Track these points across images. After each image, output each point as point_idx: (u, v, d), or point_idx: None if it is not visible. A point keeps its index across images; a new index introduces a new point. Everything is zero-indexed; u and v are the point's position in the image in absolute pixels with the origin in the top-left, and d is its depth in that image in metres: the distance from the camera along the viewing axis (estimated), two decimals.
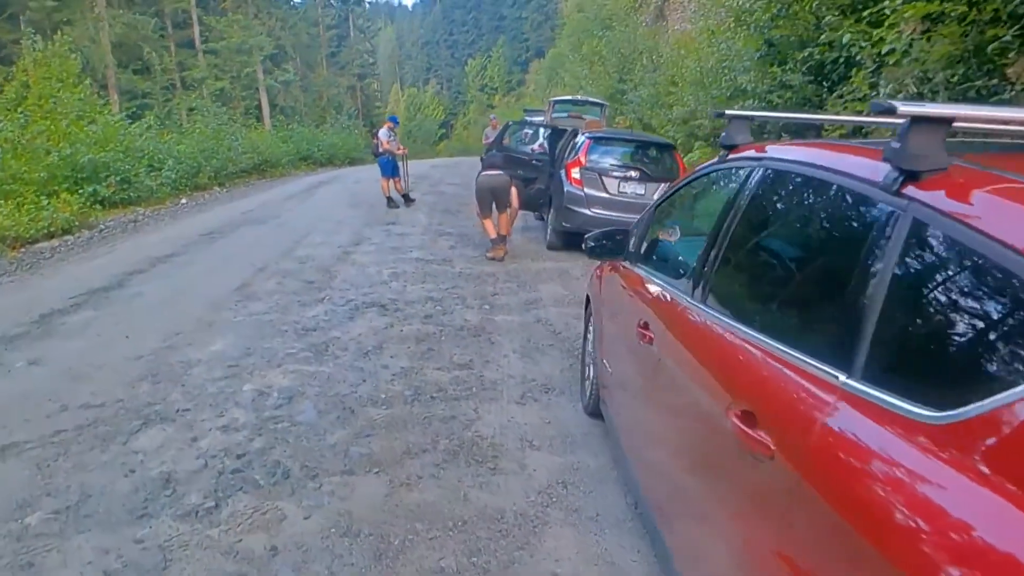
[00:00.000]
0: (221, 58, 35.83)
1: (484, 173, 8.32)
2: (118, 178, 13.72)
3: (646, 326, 2.67)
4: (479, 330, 5.83)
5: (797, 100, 10.83)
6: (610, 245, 3.41)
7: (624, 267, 3.38)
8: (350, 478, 3.49)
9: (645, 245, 3.29)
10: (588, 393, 4.13)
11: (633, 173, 8.47)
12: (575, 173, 8.45)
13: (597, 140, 8.78)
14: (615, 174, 8.48)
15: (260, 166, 22.50)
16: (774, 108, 11.37)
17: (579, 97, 13.78)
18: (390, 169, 12.79)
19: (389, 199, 12.89)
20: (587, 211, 8.38)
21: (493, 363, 5.10)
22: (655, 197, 8.26)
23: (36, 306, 6.66)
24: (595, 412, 4.02)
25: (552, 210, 9.00)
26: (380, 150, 12.70)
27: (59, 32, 19.52)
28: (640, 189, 8.42)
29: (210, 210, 13.93)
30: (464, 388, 4.61)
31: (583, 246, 3.59)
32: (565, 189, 8.49)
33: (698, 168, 3.01)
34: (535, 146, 10.48)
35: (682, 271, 2.69)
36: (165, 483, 3.43)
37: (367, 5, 65.09)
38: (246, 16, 37.03)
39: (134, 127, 17.07)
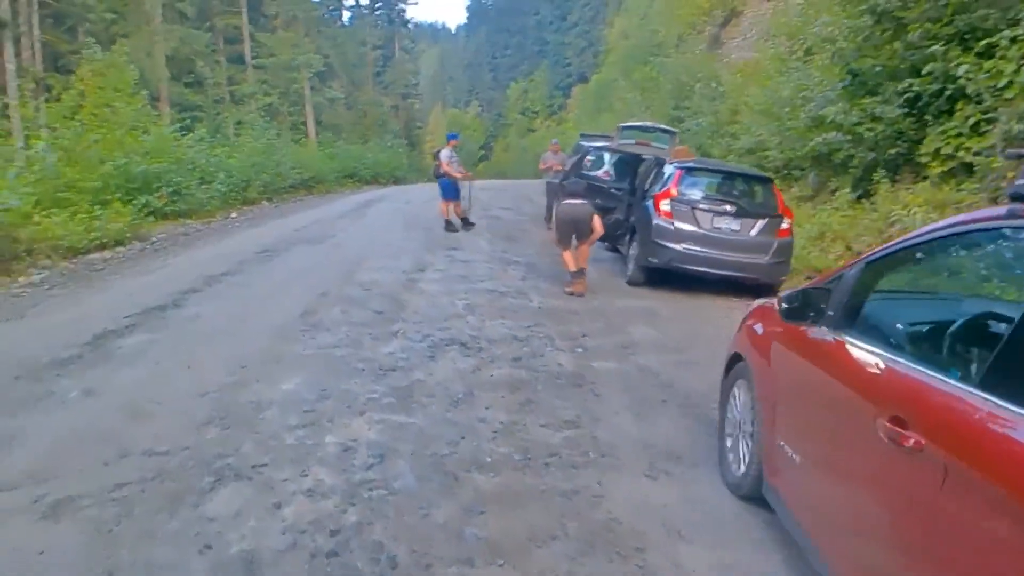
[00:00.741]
0: (270, 73, 35.99)
1: (567, 202, 7.73)
2: (170, 190, 13.44)
3: (901, 423, 2.02)
4: (578, 378, 5.20)
5: (890, 133, 10.14)
6: (813, 307, 2.77)
7: (818, 335, 2.74)
8: (471, 571, 2.87)
9: (851, 309, 2.66)
10: (740, 471, 3.47)
11: (728, 207, 7.81)
12: (664, 205, 7.82)
13: (689, 171, 8.15)
14: (708, 208, 7.84)
15: (307, 182, 22.29)
16: (862, 141, 10.71)
17: (648, 123, 13.17)
18: (452, 192, 12.28)
19: (448, 222, 12.36)
20: (676, 246, 7.73)
21: (604, 421, 4.46)
22: (752, 234, 7.64)
23: (89, 325, 6.21)
24: (751, 496, 3.36)
25: (635, 243, 8.37)
26: (440, 171, 12.21)
27: (117, 43, 19.51)
28: (735, 225, 7.76)
29: (262, 225, 13.56)
30: (579, 452, 3.98)
31: (777, 307, 2.96)
32: (653, 222, 7.86)
33: (947, 223, 2.35)
34: (600, 172, 9.87)
35: (965, 359, 2.05)
36: (248, 566, 2.85)
37: (412, 26, 65.46)
38: (297, 34, 37.22)
39: (186, 139, 16.86)
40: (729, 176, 8.40)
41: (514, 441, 4.08)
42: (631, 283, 8.45)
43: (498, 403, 4.64)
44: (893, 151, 10.06)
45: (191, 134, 17.92)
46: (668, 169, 8.26)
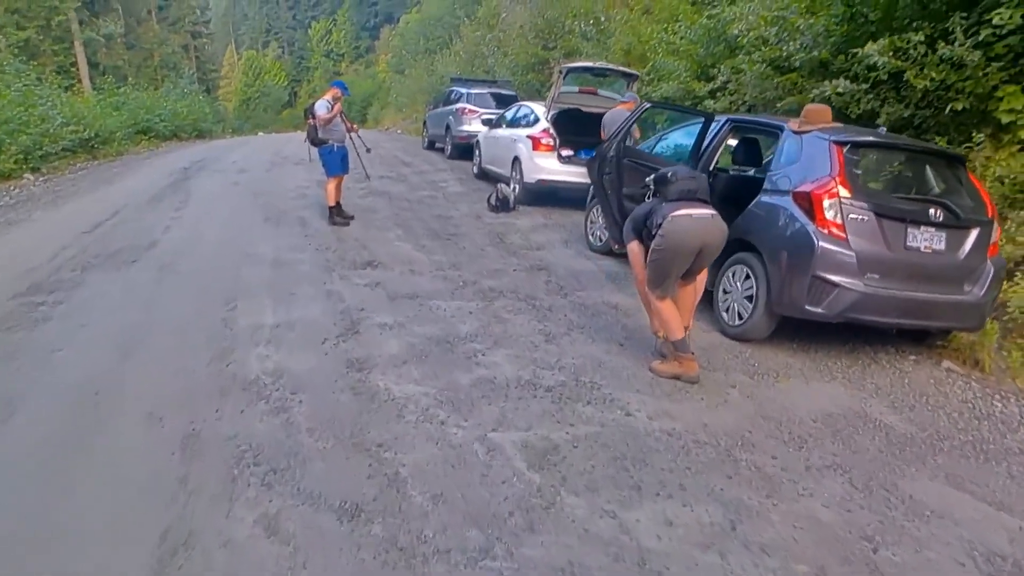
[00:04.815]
0: (22, 2, 27.24)
1: (683, 213, 3.83)
2: None
3: None
4: None
5: (948, 84, 7.20)
6: None
7: None
8: None
9: None
10: None
11: (933, 212, 4.35)
12: (830, 210, 4.18)
13: (856, 147, 4.51)
14: (900, 214, 4.31)
15: (89, 143, 16.04)
16: (876, 89, 7.82)
17: (600, 65, 9.40)
18: (338, 164, 7.83)
19: (336, 210, 7.94)
20: (859, 284, 4.17)
21: None
22: (960, 256, 4.27)
23: None
24: None
25: (765, 272, 4.57)
26: (320, 135, 7.71)
27: None
28: (939, 242, 4.34)
29: (23, 222, 8.18)
30: None
31: None
32: (818, 243, 4.23)
33: None
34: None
35: None
36: None
37: None
38: None
39: None
40: (914, 155, 4.87)
41: None
42: (742, 338, 4.76)
43: None
44: (959, 107, 7.09)
45: None
46: (801, 143, 4.55)
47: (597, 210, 6.98)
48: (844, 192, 4.18)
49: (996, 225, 4.52)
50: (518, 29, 20.53)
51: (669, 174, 3.94)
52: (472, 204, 9.58)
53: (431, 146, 16.76)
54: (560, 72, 8.85)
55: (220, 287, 5.49)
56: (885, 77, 7.69)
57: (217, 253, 6.62)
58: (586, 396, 3.79)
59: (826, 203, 4.17)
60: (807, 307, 4.27)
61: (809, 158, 4.43)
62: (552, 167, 8.96)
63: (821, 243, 4.18)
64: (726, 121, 5.44)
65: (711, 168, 5.41)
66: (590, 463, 3.11)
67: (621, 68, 9.41)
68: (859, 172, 4.40)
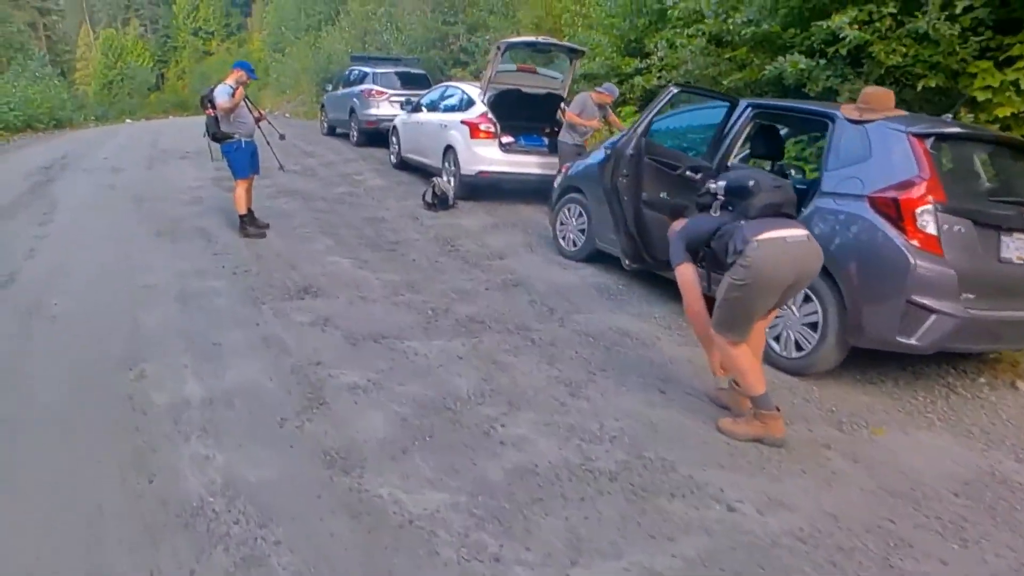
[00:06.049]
0: None
1: (773, 236, 2.86)
2: None
3: None
4: None
5: (922, 59, 6.67)
6: None
7: None
8: None
9: None
10: None
11: None
12: (922, 219, 3.35)
13: (941, 139, 3.62)
14: (996, 222, 3.52)
15: None
16: (832, 66, 7.29)
17: (544, 40, 8.20)
18: (246, 163, 6.39)
19: (248, 219, 6.52)
20: (958, 308, 3.26)
21: None
22: None
23: None
24: None
25: (837, 294, 3.65)
26: (223, 128, 6.25)
27: None
28: None
29: None
30: None
31: None
32: (912, 260, 3.30)
33: None
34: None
35: None
36: None
37: None
38: None
39: None
40: (994, 148, 4.09)
41: None
42: (797, 372, 3.86)
43: None
44: (932, 84, 6.59)
45: None
46: (867, 135, 3.63)
47: (569, 211, 5.97)
48: (936, 197, 3.38)
49: None
50: (414, 1, 19.01)
51: (750, 183, 2.96)
52: (401, 201, 8.34)
53: (332, 132, 15.15)
54: (497, 48, 7.69)
55: (114, 339, 4.08)
56: (844, 52, 7.15)
57: (102, 286, 5.11)
58: (664, 484, 2.80)
59: (918, 211, 3.34)
60: (898, 338, 3.44)
61: (884, 154, 3.58)
62: (494, 157, 7.86)
63: (917, 260, 3.35)
64: (747, 107, 4.53)
65: (729, 164, 4.52)
66: None
67: (566, 44, 8.37)
68: (948, 171, 3.62)
